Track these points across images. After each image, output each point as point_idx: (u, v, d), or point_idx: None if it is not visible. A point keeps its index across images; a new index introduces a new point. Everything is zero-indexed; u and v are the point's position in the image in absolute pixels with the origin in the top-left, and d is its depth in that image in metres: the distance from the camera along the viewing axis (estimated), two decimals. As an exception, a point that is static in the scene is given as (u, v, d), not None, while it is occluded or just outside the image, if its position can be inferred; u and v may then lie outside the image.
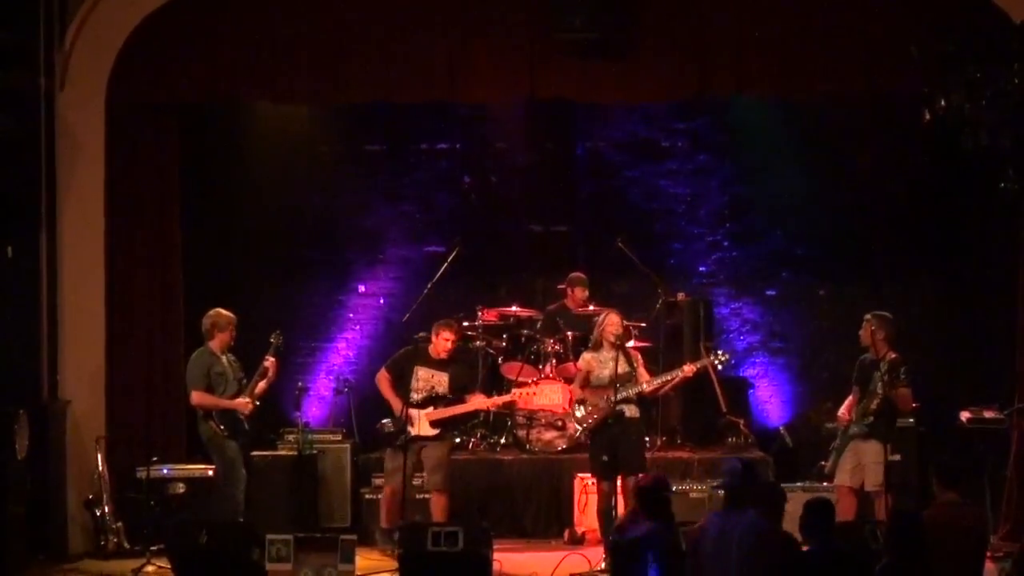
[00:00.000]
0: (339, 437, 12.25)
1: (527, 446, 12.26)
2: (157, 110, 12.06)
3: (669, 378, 10.72)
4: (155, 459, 11.35)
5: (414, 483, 11.22)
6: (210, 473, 11.10)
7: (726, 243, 13.91)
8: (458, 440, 12.59)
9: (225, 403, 10.70)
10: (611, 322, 10.61)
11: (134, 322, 12.00)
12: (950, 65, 9.98)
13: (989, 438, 11.34)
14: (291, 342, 13.47)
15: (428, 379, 11.02)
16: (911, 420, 11.57)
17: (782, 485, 10.94)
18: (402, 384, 11.05)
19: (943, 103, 9.90)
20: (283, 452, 11.87)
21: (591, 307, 12.64)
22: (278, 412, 12.58)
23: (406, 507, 10.86)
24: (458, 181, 14.06)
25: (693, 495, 11.12)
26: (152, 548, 10.60)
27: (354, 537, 10.12)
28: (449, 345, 11.05)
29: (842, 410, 10.74)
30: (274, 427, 12.22)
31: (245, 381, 10.88)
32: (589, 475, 11.12)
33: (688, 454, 12.24)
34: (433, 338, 11.09)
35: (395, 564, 9.93)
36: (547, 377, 12.42)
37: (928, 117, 10.10)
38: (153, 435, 11.91)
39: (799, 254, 13.69)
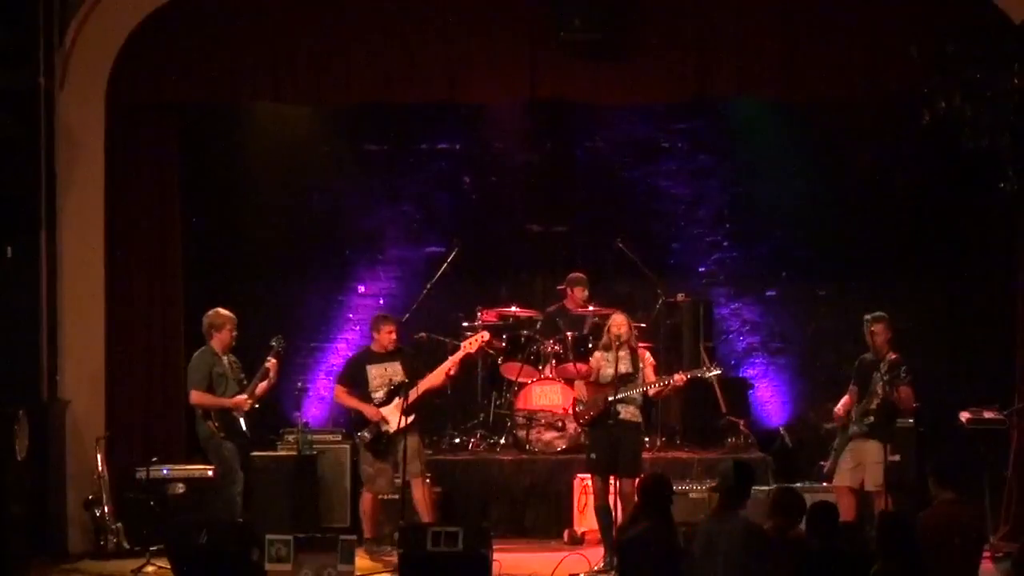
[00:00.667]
0: (339, 437, 12.24)
1: (527, 446, 12.26)
2: (157, 110, 12.06)
3: (662, 386, 10.73)
4: (155, 459, 11.35)
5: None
6: (210, 473, 11.09)
7: (726, 243, 13.91)
8: (457, 440, 12.61)
9: (223, 402, 10.72)
10: (614, 322, 10.63)
11: (134, 322, 12.00)
12: (950, 65, 9.98)
13: (989, 438, 11.33)
14: (291, 342, 13.43)
15: (383, 374, 11.06)
16: (911, 420, 11.57)
17: (781, 486, 11.06)
18: (358, 391, 11.07)
19: (943, 103, 9.89)
20: (283, 452, 11.86)
21: (591, 307, 12.65)
22: (278, 412, 12.58)
23: (404, 509, 10.84)
24: (458, 181, 14.05)
25: (693, 495, 11.11)
26: (152, 548, 10.60)
27: (354, 537, 10.10)
28: (393, 336, 11.12)
29: (838, 407, 10.75)
30: (274, 427, 12.22)
31: (246, 382, 10.87)
32: (589, 475, 11.12)
33: (688, 454, 12.24)
34: (375, 334, 11.15)
35: (391, 565, 9.96)
36: (547, 377, 12.42)
37: (928, 118, 10.10)
38: (153, 435, 11.91)
39: (799, 254, 13.68)
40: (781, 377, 13.76)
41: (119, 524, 11.29)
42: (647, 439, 11.75)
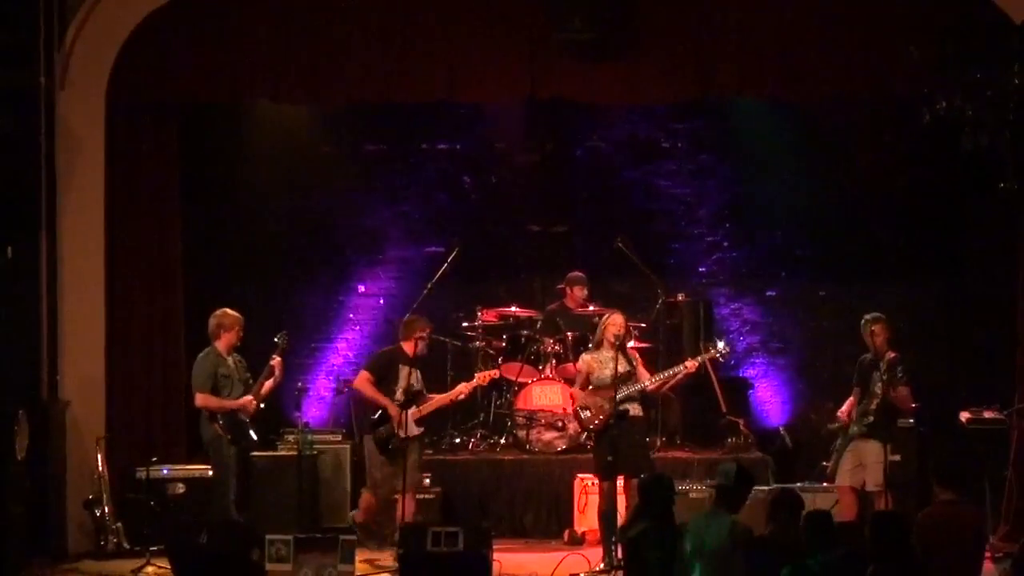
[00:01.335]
0: (339, 437, 12.25)
1: (527, 446, 12.26)
2: (157, 110, 12.06)
3: (672, 374, 10.71)
4: (155, 459, 11.36)
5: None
6: (210, 473, 11.07)
7: (726, 243, 13.91)
8: (457, 440, 12.61)
9: (229, 403, 10.58)
10: (613, 322, 10.57)
11: (134, 322, 12.00)
12: (950, 65, 9.98)
13: (989, 438, 11.33)
14: (291, 342, 13.48)
15: (407, 377, 10.95)
16: (911, 420, 11.57)
17: (779, 486, 11.07)
18: (385, 386, 10.95)
19: (943, 104, 9.89)
20: (283, 452, 11.87)
21: (591, 307, 12.65)
22: (278, 412, 12.58)
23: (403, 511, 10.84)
24: (458, 181, 14.05)
25: (693, 495, 11.08)
26: (152, 548, 10.61)
27: (354, 537, 10.13)
28: (426, 343, 11.02)
29: (842, 410, 10.74)
30: (274, 427, 12.22)
31: (251, 382, 10.79)
32: (589, 475, 11.13)
33: (688, 454, 12.25)
34: (410, 336, 10.96)
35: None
36: (547, 377, 12.42)
37: (928, 118, 10.10)
38: (153, 435, 11.91)
39: (799, 254, 13.69)
40: (781, 377, 13.76)
41: (119, 524, 11.30)
42: (648, 439, 11.75)
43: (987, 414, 11.40)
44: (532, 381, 12.43)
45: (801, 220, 13.57)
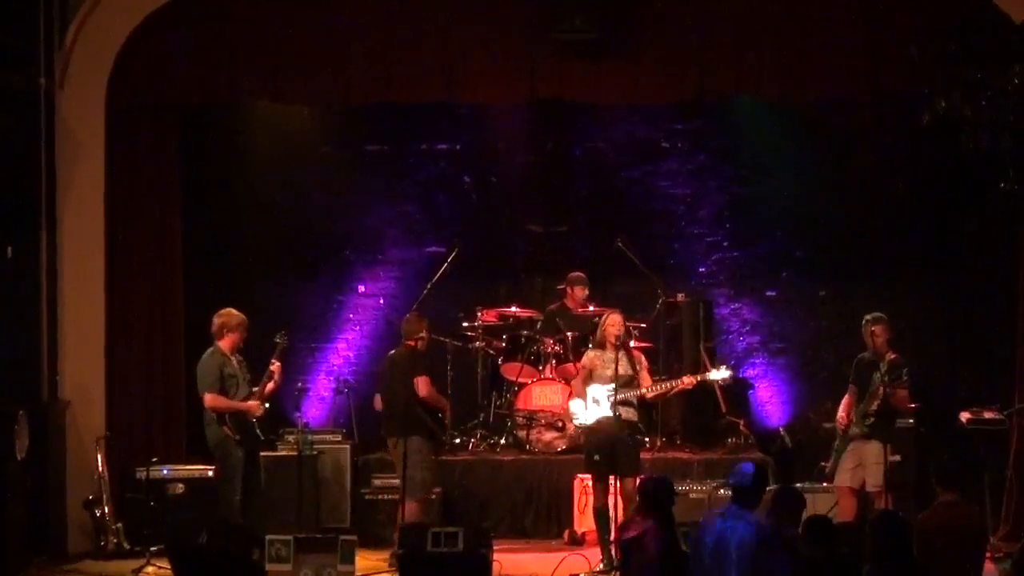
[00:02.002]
0: (339, 438, 12.25)
1: (527, 446, 12.26)
2: (157, 110, 12.06)
3: (669, 387, 10.70)
4: (155, 459, 11.36)
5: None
6: (210, 474, 11.07)
7: (726, 243, 13.90)
8: (457, 440, 12.61)
9: (238, 405, 10.51)
10: (612, 322, 10.57)
11: (134, 322, 12.00)
12: (950, 65, 9.99)
13: (989, 439, 11.32)
14: (291, 342, 13.48)
15: None
16: (911, 421, 11.58)
17: (779, 486, 11.05)
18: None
19: (943, 104, 9.90)
20: (283, 452, 11.86)
21: (591, 307, 12.64)
22: (278, 412, 12.57)
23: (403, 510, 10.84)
24: (458, 181, 14.05)
25: (693, 495, 11.10)
26: (152, 548, 10.61)
27: (354, 537, 10.13)
28: (428, 340, 11.06)
29: (840, 413, 10.71)
30: (274, 427, 12.21)
31: (254, 384, 10.74)
32: (589, 476, 11.12)
33: (688, 455, 12.24)
34: (416, 335, 10.91)
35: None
36: (547, 378, 12.42)
37: (928, 118, 10.10)
38: (153, 435, 11.91)
39: (799, 255, 13.68)
40: (781, 377, 13.76)
41: (119, 524, 11.30)
42: (647, 439, 11.76)
43: (987, 414, 11.39)
44: (532, 381, 12.44)
45: (801, 220, 13.56)
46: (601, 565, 10.16)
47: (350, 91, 11.90)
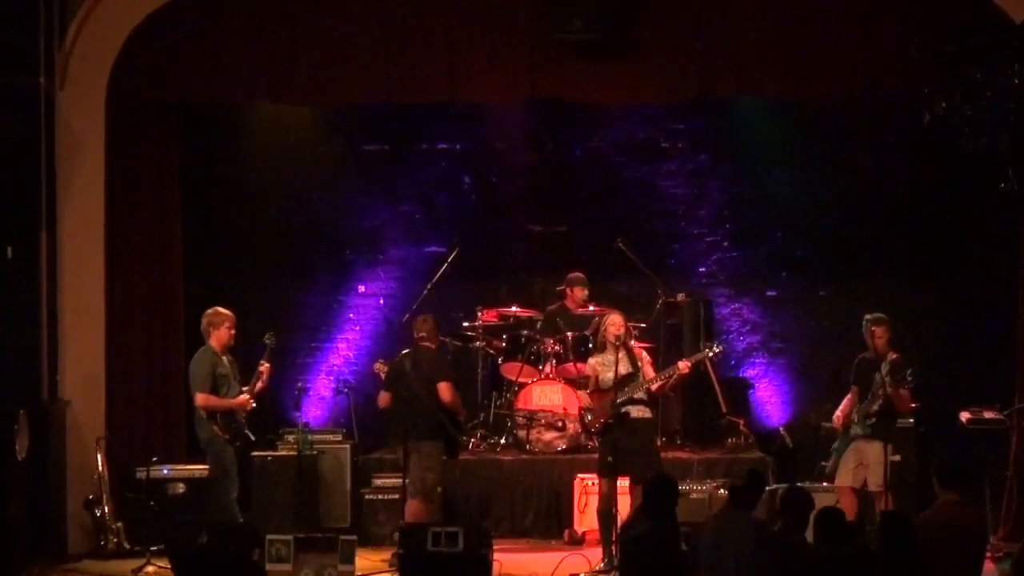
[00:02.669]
0: (339, 438, 12.25)
1: (527, 446, 12.26)
2: (157, 110, 12.07)
3: (668, 375, 10.69)
4: (155, 459, 11.35)
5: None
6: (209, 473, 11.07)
7: (726, 243, 13.90)
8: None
9: (230, 403, 10.52)
10: (612, 322, 10.53)
11: (134, 322, 12.00)
12: (950, 66, 9.97)
13: (989, 438, 11.33)
14: (291, 342, 13.50)
15: None
16: (911, 420, 11.57)
17: (781, 486, 11.05)
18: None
19: (943, 104, 9.89)
20: (283, 452, 11.86)
21: (591, 307, 12.64)
22: (278, 412, 12.58)
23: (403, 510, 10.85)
24: (458, 181, 14.05)
25: (693, 495, 11.09)
26: (152, 548, 10.60)
27: (354, 537, 10.13)
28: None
29: (838, 412, 10.71)
30: (274, 427, 12.22)
31: (244, 383, 10.76)
32: (589, 475, 11.12)
33: (688, 454, 12.24)
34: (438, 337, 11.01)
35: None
36: (547, 377, 12.42)
37: (928, 118, 10.09)
38: (153, 435, 11.91)
39: (799, 254, 13.68)
40: (781, 377, 13.76)
41: (119, 524, 11.30)
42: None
43: (987, 414, 11.40)
44: (532, 381, 12.43)
45: (801, 220, 13.56)
46: (601, 565, 10.15)
47: (350, 91, 11.91)
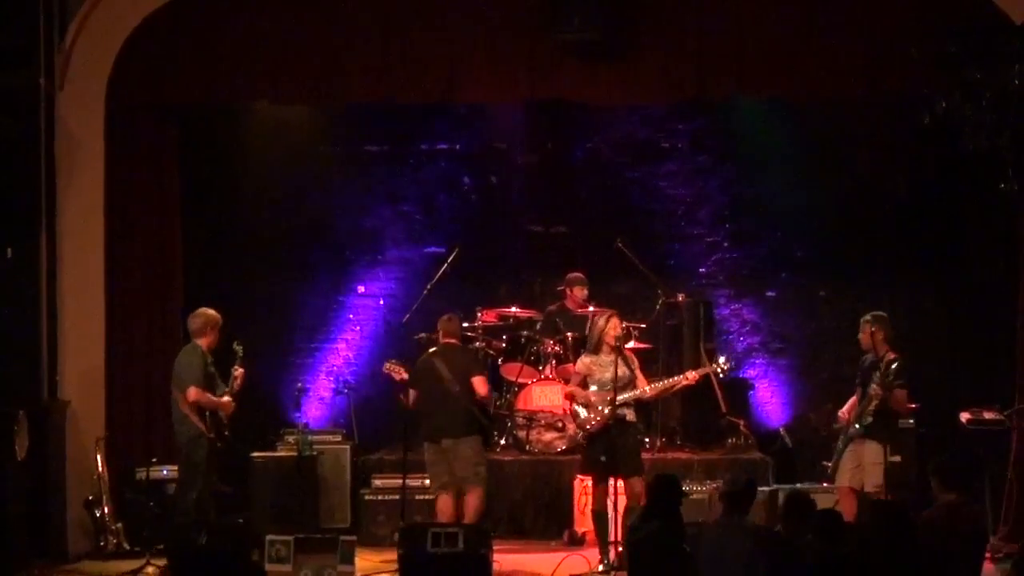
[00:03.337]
0: (339, 438, 12.25)
1: (527, 447, 12.25)
2: (157, 110, 12.07)
3: (671, 383, 10.68)
4: (155, 460, 11.35)
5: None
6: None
7: (726, 244, 13.90)
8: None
9: (218, 402, 10.48)
10: (614, 325, 10.50)
11: (134, 322, 12.00)
12: (950, 66, 9.98)
13: (989, 439, 11.32)
14: (291, 342, 13.54)
15: None
16: (911, 421, 11.56)
17: (781, 486, 11.07)
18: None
19: (943, 104, 9.89)
20: (283, 453, 11.87)
21: (591, 307, 12.63)
22: (278, 413, 12.57)
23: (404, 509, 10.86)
24: (458, 181, 14.05)
25: (693, 496, 11.08)
26: (152, 549, 10.60)
27: (354, 538, 10.12)
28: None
29: (843, 411, 10.72)
30: (274, 428, 12.22)
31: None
32: (589, 478, 11.10)
33: (688, 455, 12.23)
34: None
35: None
36: (547, 378, 12.42)
37: (928, 118, 10.10)
38: (153, 435, 11.90)
39: (799, 255, 13.68)
40: (781, 378, 13.76)
41: (119, 524, 11.30)
42: (647, 439, 11.76)
43: (987, 414, 11.38)
44: (532, 382, 12.43)
45: (801, 220, 13.56)
46: (601, 566, 10.15)
47: (350, 91, 11.90)
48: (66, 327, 11.69)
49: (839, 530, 7.69)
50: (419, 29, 11.66)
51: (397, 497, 11.24)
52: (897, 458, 10.61)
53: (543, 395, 12.30)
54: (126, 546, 11.22)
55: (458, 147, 14.00)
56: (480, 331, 12.84)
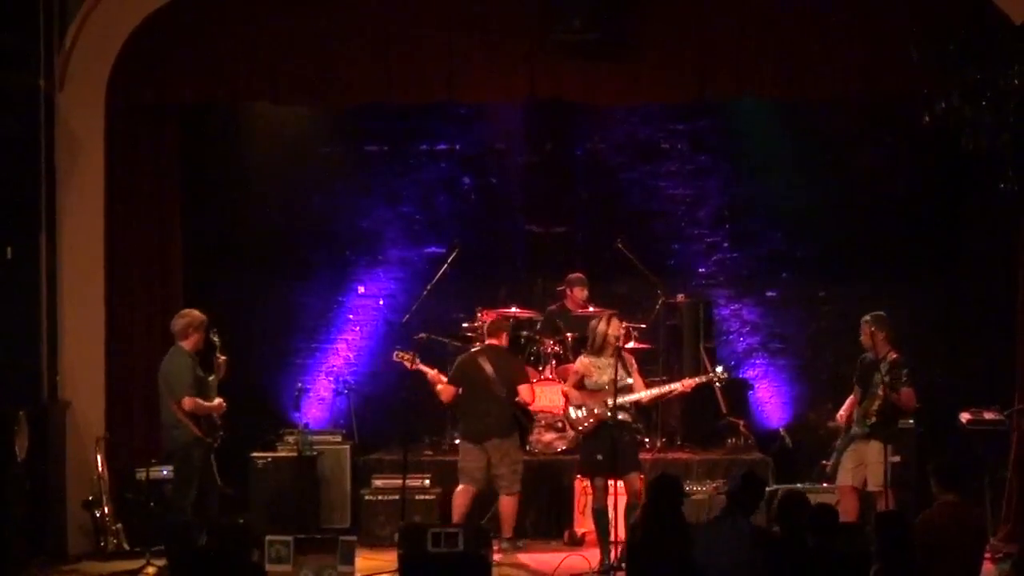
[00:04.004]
0: (339, 438, 12.26)
1: (527, 447, 12.21)
2: (157, 110, 12.07)
3: (667, 391, 10.69)
4: (155, 460, 11.33)
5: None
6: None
7: (726, 244, 13.90)
8: (458, 441, 12.59)
9: (211, 407, 10.34)
10: (616, 327, 10.51)
11: (134, 322, 12.00)
12: (950, 66, 9.97)
13: (989, 439, 11.32)
14: (291, 343, 13.53)
15: None
16: (911, 421, 11.56)
17: (779, 486, 11.06)
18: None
19: (943, 104, 9.88)
20: (283, 453, 11.87)
21: (591, 308, 12.63)
22: (278, 413, 12.57)
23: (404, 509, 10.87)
24: (458, 181, 14.05)
25: (694, 496, 11.08)
26: (152, 549, 10.59)
27: (354, 538, 10.11)
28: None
29: (841, 411, 10.73)
30: (274, 428, 12.22)
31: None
32: (587, 478, 11.10)
33: (688, 455, 12.23)
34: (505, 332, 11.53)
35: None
36: (547, 378, 12.41)
37: (928, 118, 10.09)
38: (153, 435, 11.87)
39: (799, 255, 13.68)
40: (781, 378, 13.75)
41: (119, 524, 11.30)
42: (647, 439, 11.75)
43: (987, 414, 11.39)
44: (532, 382, 12.40)
45: (801, 220, 13.55)
46: (600, 565, 10.14)
47: (350, 92, 11.90)
48: (66, 327, 11.68)
49: (834, 525, 7.69)
50: (419, 29, 11.66)
51: (397, 497, 11.24)
52: (897, 458, 10.61)
53: (543, 395, 12.26)
54: (126, 546, 11.22)
55: (458, 147, 14.00)
56: (480, 331, 12.82)
